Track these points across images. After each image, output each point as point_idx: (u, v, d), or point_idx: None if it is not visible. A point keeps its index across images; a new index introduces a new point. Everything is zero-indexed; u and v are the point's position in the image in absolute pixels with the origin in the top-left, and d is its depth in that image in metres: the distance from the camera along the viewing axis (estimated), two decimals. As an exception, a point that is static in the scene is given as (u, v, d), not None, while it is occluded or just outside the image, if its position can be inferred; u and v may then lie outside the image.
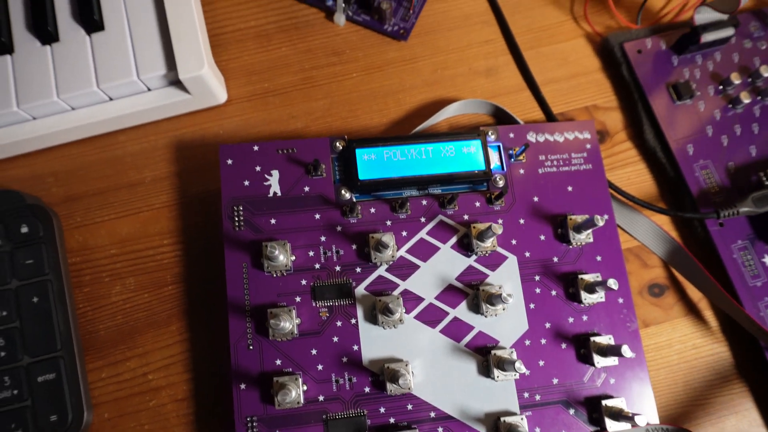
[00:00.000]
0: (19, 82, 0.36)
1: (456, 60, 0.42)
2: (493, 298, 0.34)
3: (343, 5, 0.41)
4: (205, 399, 0.35)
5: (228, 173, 0.35)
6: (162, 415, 0.34)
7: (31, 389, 0.33)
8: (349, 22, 0.42)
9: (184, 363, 0.35)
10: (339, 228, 0.35)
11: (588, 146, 0.39)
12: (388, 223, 0.35)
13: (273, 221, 0.35)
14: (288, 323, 0.32)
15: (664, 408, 0.36)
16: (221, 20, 0.42)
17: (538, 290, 0.36)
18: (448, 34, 0.43)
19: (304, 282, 0.34)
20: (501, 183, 0.37)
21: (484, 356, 0.34)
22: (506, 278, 0.36)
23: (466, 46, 0.43)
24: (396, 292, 0.34)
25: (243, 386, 0.32)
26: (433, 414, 0.33)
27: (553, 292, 0.36)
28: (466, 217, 0.36)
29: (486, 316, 0.34)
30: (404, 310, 0.34)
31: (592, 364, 0.34)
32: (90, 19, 0.37)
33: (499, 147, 0.38)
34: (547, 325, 0.35)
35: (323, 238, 0.35)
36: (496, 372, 0.33)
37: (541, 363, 0.34)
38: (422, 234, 0.36)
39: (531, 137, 0.38)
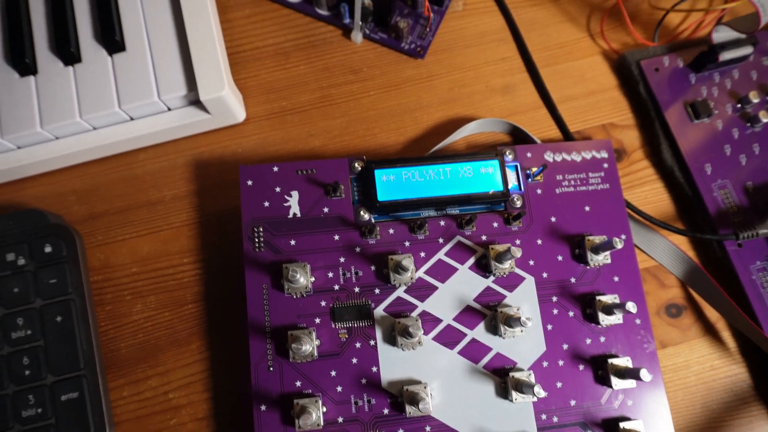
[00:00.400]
0: (43, 103, 0.37)
1: (473, 78, 0.42)
2: (512, 321, 0.34)
3: (361, 23, 0.42)
4: (223, 418, 0.35)
5: (248, 194, 0.36)
6: (182, 434, 0.35)
7: (54, 408, 0.33)
8: (366, 40, 0.43)
9: (204, 382, 0.36)
10: (358, 249, 0.35)
11: (605, 165, 0.39)
12: (407, 244, 0.36)
13: (293, 242, 0.35)
14: (308, 345, 0.32)
15: (682, 430, 0.36)
16: (239, 38, 0.42)
17: (555, 311, 0.36)
18: (464, 51, 0.43)
19: (323, 303, 0.34)
20: (519, 203, 0.37)
21: (502, 378, 0.34)
22: (524, 299, 0.36)
23: (482, 64, 0.43)
24: (414, 314, 0.35)
25: (263, 407, 0.32)
26: (451, 435, 0.33)
27: (571, 313, 0.36)
28: (484, 237, 0.36)
29: (504, 338, 0.35)
30: (423, 332, 0.34)
31: (610, 386, 0.34)
32: (112, 39, 0.37)
33: (516, 167, 0.38)
34: (565, 346, 0.35)
35: (342, 259, 0.35)
36: (514, 394, 0.33)
37: (559, 384, 0.35)
38: (440, 255, 0.36)
39: (548, 156, 0.38)
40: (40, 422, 0.33)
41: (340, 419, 0.33)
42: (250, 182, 0.36)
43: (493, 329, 0.35)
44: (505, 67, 0.43)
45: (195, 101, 0.38)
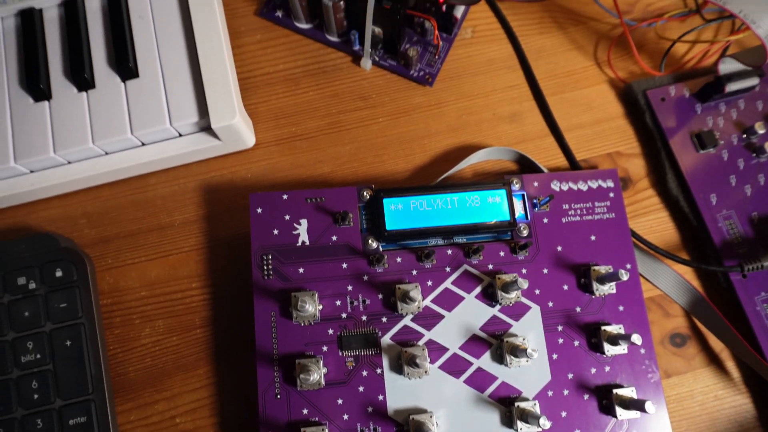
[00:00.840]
0: (56, 128, 0.37)
1: (481, 105, 0.43)
2: (518, 351, 0.34)
3: (370, 50, 0.42)
4: (231, 443, 0.35)
5: (258, 222, 0.36)
6: (189, 459, 0.35)
7: (63, 432, 0.34)
8: (375, 66, 0.43)
9: (211, 407, 0.36)
10: (366, 277, 0.36)
11: (611, 195, 0.39)
12: (414, 272, 0.36)
13: (301, 270, 0.35)
14: (316, 374, 0.32)
15: (686, 461, 0.36)
16: (250, 64, 0.43)
17: (560, 340, 0.36)
18: (473, 79, 0.43)
19: (331, 331, 0.35)
20: (525, 232, 0.37)
21: (507, 407, 0.34)
22: (529, 328, 0.36)
23: (490, 92, 0.43)
24: (421, 342, 0.35)
25: (270, 435, 0.33)
26: (456, 465, 0.33)
27: (576, 343, 0.36)
28: (490, 266, 0.37)
29: (509, 367, 0.35)
30: (429, 361, 0.34)
31: (615, 416, 0.34)
32: (125, 66, 0.38)
33: (523, 196, 0.38)
34: (570, 375, 0.35)
35: (350, 288, 0.35)
36: (519, 424, 0.33)
37: (564, 414, 0.35)
38: (447, 284, 0.36)
39: (555, 186, 0.39)
40: (48, 446, 0.33)
41: (347, 448, 0.33)
42: (259, 210, 0.36)
43: (499, 358, 0.35)
44: (512, 95, 0.43)
45: (206, 128, 0.38)
